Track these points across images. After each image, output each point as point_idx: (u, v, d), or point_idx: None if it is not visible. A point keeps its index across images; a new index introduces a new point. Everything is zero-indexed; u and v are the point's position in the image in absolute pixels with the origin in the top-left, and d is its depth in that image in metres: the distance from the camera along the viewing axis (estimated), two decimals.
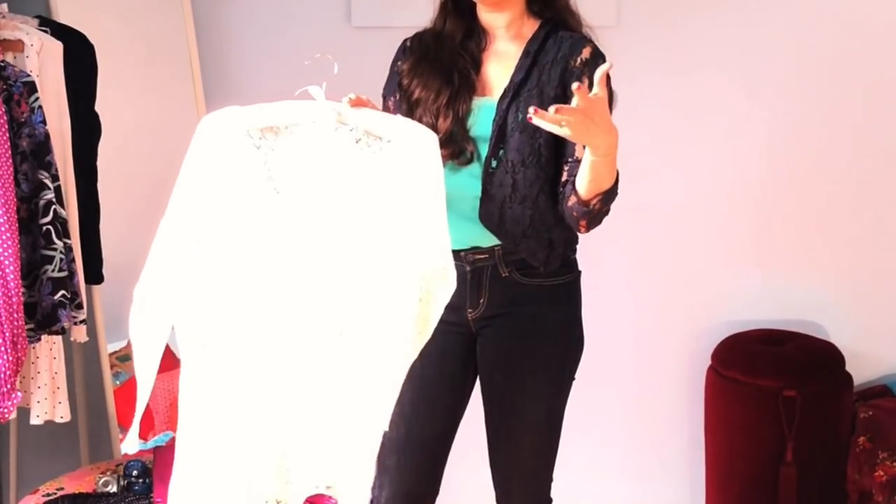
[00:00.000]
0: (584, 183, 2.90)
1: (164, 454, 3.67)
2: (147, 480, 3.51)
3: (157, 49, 4.29)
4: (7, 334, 2.98)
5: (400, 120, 2.85)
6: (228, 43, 4.44)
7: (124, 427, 4.16)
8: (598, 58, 3.03)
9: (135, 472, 3.51)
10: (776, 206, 4.59)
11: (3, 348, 2.98)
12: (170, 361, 4.31)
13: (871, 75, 4.55)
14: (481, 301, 3.15)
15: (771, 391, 4.27)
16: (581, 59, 3.05)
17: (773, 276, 4.64)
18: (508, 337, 3.17)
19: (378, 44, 3.50)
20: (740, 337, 4.53)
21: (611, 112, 2.86)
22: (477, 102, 3.12)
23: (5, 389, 3.01)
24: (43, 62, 3.28)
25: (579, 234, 3.18)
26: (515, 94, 3.09)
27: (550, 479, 3.39)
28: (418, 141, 2.77)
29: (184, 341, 2.73)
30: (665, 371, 4.72)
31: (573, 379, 3.26)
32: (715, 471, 4.50)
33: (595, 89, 2.68)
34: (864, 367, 4.58)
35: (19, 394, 3.07)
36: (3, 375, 3.00)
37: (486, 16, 3.15)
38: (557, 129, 2.67)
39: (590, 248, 4.60)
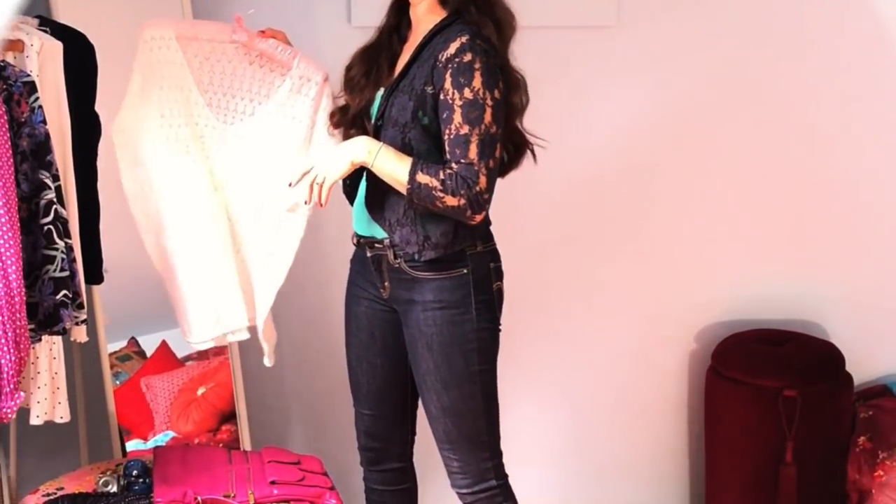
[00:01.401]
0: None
1: (165, 454, 3.69)
2: (147, 480, 3.50)
3: None
4: (10, 334, 2.98)
5: (298, 56, 3.53)
6: None
7: (125, 427, 4.18)
8: (462, 52, 3.09)
9: (135, 472, 3.51)
10: (776, 206, 4.62)
11: (6, 348, 2.98)
12: (171, 362, 4.35)
13: (871, 78, 4.57)
14: (385, 285, 3.38)
15: (771, 391, 4.29)
16: (446, 55, 3.12)
17: (773, 276, 4.67)
18: (409, 325, 3.36)
19: None
20: (740, 337, 4.55)
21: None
22: (379, 93, 3.34)
23: (8, 389, 3.02)
24: (43, 62, 3.28)
25: (488, 234, 3.39)
26: (395, 88, 3.25)
27: (490, 461, 3.45)
28: (308, 78, 3.52)
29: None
30: (666, 371, 4.75)
31: (483, 367, 3.35)
32: (715, 470, 4.52)
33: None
34: (864, 367, 4.61)
35: (22, 394, 3.08)
36: (6, 375, 3.00)
37: (410, 10, 3.32)
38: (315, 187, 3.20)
39: (592, 249, 4.65)
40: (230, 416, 4.32)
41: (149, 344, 4.30)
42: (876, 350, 4.64)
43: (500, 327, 3.42)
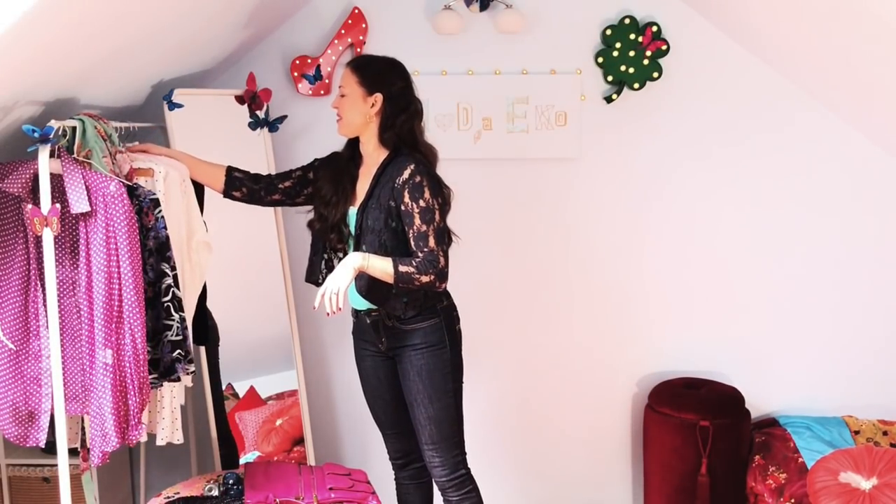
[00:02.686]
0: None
1: (252, 468, 3.67)
2: (240, 487, 3.48)
3: None
4: (136, 382, 2.98)
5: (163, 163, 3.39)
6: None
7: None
8: (414, 176, 3.36)
9: (231, 480, 3.48)
10: (696, 289, 4.57)
11: (133, 392, 2.99)
12: (257, 401, 4.32)
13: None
14: (383, 340, 3.58)
15: (691, 422, 4.24)
16: (402, 179, 3.37)
17: (693, 340, 4.61)
18: (403, 363, 3.55)
19: None
20: (669, 383, 4.50)
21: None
22: (351, 210, 3.53)
23: (134, 422, 3.02)
24: (168, 185, 3.32)
25: (448, 293, 3.56)
26: (365, 205, 3.47)
27: (460, 456, 3.62)
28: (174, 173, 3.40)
29: None
30: (615, 408, 4.68)
31: (455, 385, 3.55)
32: (651, 480, 4.46)
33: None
34: (758, 405, 4.56)
35: (144, 425, 3.07)
36: (133, 412, 3.01)
37: (361, 147, 3.53)
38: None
39: (562, 323, 4.58)
40: (300, 441, 4.29)
41: (241, 388, 4.28)
42: (766, 393, 4.59)
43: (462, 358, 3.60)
